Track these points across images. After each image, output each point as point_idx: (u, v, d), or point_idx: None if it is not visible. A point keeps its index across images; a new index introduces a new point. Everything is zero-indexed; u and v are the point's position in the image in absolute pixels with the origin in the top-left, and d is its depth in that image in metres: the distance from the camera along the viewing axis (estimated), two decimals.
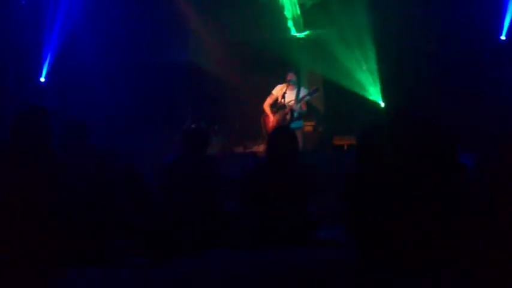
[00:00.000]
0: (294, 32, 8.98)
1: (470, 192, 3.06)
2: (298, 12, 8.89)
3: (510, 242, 2.94)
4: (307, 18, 8.89)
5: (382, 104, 8.34)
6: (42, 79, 8.23)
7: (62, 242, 3.46)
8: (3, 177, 3.65)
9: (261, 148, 7.76)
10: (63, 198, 3.58)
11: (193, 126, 6.83)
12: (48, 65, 8.11)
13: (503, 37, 7.48)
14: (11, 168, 3.66)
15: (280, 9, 8.89)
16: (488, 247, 2.95)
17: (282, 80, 7.77)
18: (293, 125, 7.35)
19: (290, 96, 7.61)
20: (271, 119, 7.72)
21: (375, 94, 8.46)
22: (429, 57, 7.75)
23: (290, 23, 8.96)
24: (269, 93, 7.82)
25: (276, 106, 7.71)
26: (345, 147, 8.18)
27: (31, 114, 3.80)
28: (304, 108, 7.68)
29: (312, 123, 8.58)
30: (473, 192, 3.13)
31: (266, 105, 7.79)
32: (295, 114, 7.56)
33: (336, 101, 8.75)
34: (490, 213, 3.13)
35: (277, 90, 7.75)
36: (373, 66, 8.42)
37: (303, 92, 7.65)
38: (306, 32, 8.95)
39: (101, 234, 3.72)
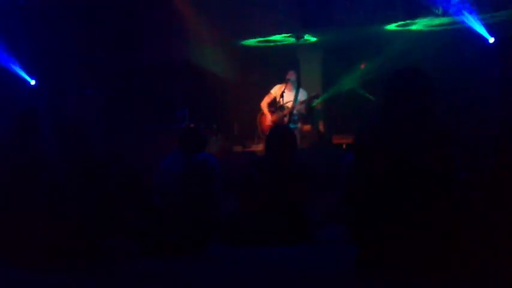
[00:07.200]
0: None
1: (468, 192, 3.06)
2: None
3: (507, 243, 2.94)
4: None
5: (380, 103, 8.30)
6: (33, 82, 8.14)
7: (59, 242, 3.45)
8: (2, 178, 3.66)
9: (260, 147, 7.73)
10: (61, 198, 3.58)
11: (191, 125, 6.81)
12: (41, 67, 8.02)
13: (491, 40, 7.61)
14: (8, 168, 3.66)
15: None
16: (486, 246, 2.95)
17: (281, 79, 7.72)
18: (290, 126, 7.32)
19: (288, 97, 7.54)
20: (268, 119, 7.67)
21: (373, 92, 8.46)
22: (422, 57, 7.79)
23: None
24: (268, 92, 7.78)
25: (274, 106, 7.65)
26: (344, 146, 8.16)
27: (29, 115, 3.80)
28: (304, 111, 7.63)
29: (310, 125, 8.56)
30: (471, 191, 3.12)
31: (264, 104, 7.72)
32: (295, 117, 7.52)
33: (335, 100, 8.74)
34: (488, 213, 3.13)
35: (276, 90, 7.66)
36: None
37: (302, 94, 7.60)
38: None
39: (100, 234, 3.71)
